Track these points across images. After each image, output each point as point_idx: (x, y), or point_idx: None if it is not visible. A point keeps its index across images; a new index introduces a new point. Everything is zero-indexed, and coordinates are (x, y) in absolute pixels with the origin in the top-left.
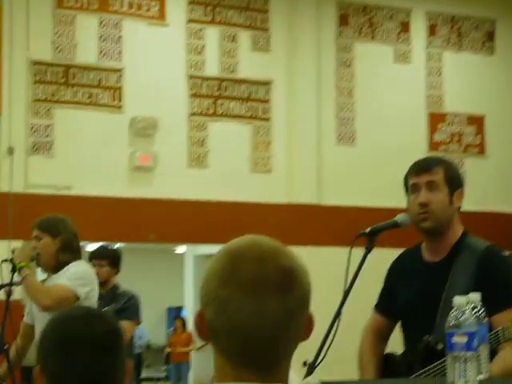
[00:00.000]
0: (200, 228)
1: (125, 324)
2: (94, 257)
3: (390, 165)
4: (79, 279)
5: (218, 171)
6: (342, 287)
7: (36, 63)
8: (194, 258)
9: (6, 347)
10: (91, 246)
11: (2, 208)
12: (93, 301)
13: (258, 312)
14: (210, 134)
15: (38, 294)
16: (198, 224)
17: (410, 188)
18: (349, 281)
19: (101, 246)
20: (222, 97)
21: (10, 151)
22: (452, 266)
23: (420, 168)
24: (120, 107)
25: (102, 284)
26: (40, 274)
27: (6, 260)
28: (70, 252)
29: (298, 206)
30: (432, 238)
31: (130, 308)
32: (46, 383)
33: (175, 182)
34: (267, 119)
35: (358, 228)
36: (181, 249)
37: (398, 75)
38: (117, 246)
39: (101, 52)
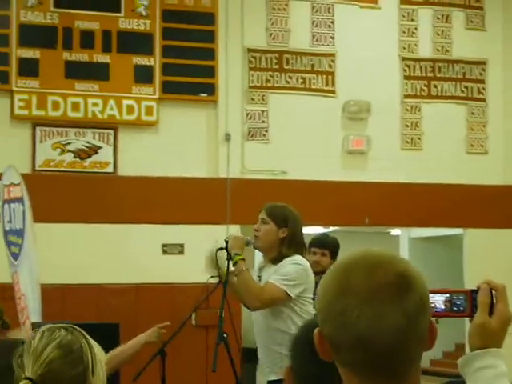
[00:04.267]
0: (415, 211)
1: None
2: (315, 245)
3: None
4: (292, 280)
5: (432, 153)
6: None
7: (251, 50)
8: (409, 240)
9: (225, 336)
10: (309, 229)
11: (220, 193)
12: (304, 300)
13: (376, 319)
14: (423, 116)
15: (249, 293)
16: (413, 207)
17: None
18: None
19: (323, 234)
20: (436, 78)
21: (227, 137)
22: None
23: None
24: (333, 91)
25: (319, 273)
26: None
27: (221, 248)
28: (293, 246)
29: None
30: None
31: None
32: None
33: (389, 165)
34: (483, 99)
35: None
36: (396, 231)
37: None
38: (331, 229)
39: (314, 37)
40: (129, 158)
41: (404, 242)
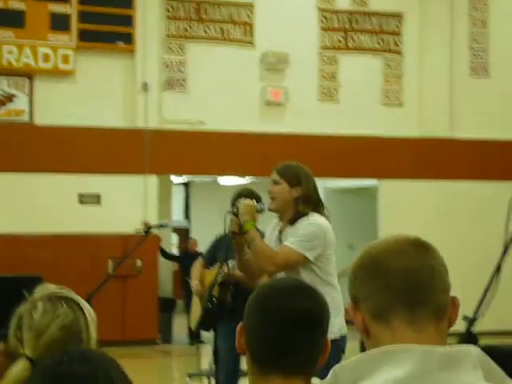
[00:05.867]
0: (332, 162)
1: None
2: (243, 196)
3: None
4: (309, 241)
5: (349, 105)
6: (478, 222)
7: None
8: (324, 191)
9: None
10: (226, 180)
11: (138, 143)
12: (325, 258)
13: (405, 262)
14: (340, 68)
15: (263, 258)
16: (330, 158)
17: None
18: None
19: (249, 188)
20: (353, 30)
21: (145, 87)
22: None
23: None
24: (251, 42)
25: None
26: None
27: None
28: (310, 204)
29: (431, 139)
30: None
31: None
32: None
33: (306, 116)
34: (399, 52)
35: (493, 162)
36: None
37: None
38: (247, 179)
39: None
40: (45, 107)
41: (320, 192)
